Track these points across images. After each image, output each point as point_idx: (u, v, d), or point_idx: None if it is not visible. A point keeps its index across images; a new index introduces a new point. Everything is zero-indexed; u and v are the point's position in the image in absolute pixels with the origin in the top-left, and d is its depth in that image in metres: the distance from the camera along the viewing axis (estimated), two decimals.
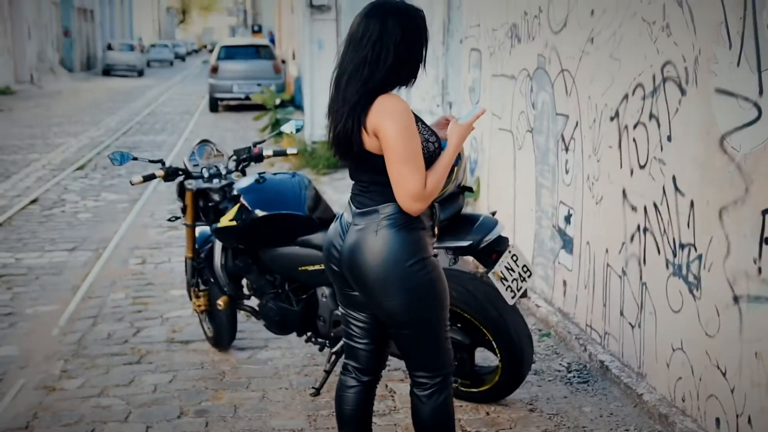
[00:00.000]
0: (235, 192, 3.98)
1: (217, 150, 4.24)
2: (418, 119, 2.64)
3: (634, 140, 3.84)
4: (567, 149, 4.62)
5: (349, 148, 2.61)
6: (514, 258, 3.47)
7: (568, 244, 4.65)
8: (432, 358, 2.72)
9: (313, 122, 11.19)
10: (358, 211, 2.67)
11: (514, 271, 3.46)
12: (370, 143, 2.57)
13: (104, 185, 9.81)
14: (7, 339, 4.76)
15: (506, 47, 5.57)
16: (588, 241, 4.39)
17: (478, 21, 6.19)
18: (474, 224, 3.44)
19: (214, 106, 19.67)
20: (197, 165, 4.17)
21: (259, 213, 3.84)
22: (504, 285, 3.43)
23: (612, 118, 4.06)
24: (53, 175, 10.43)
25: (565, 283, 4.71)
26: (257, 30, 38.26)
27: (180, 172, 4.08)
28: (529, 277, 3.51)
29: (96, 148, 12.93)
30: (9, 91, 24.41)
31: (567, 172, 4.63)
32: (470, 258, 3.62)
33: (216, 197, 4.10)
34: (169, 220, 4.39)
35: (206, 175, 4.08)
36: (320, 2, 11.10)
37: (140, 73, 37.31)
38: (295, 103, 17.62)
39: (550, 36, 4.80)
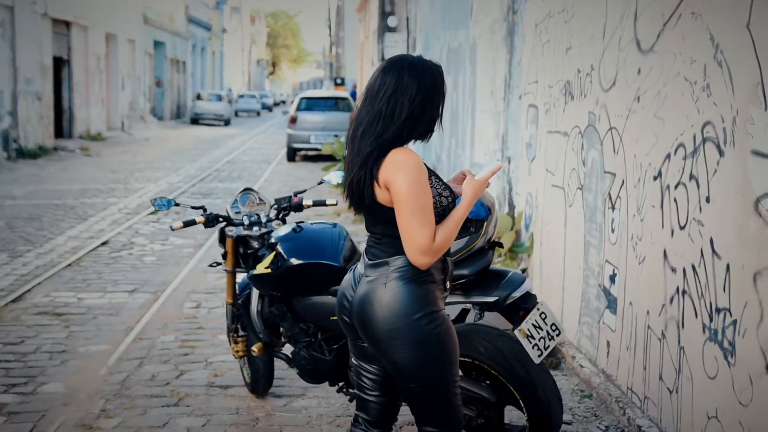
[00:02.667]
0: (272, 240, 4.04)
1: (259, 198, 4.32)
2: (431, 173, 2.65)
3: (675, 200, 3.76)
4: (614, 208, 4.55)
5: (361, 199, 2.63)
6: (543, 316, 3.41)
7: (612, 304, 4.55)
8: (440, 414, 2.69)
9: None
10: (370, 262, 2.68)
11: (541, 329, 3.39)
12: (381, 195, 2.59)
13: (169, 232, 10.05)
14: (56, 376, 4.90)
15: (560, 104, 5.54)
16: (631, 302, 4.29)
17: (536, 77, 6.19)
18: (502, 280, 3.40)
19: (291, 155, 20.05)
20: (239, 212, 4.26)
21: (294, 261, 3.89)
22: (531, 343, 3.37)
23: (655, 178, 3.98)
24: (127, 219, 10.76)
25: (608, 344, 4.59)
26: (340, 83, 39.04)
27: (221, 219, 4.17)
28: (557, 335, 3.44)
29: (172, 194, 13.30)
30: (100, 138, 25.40)
31: (613, 230, 4.55)
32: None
33: (255, 244, 4.16)
34: (211, 265, 4.48)
35: (246, 222, 4.15)
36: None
37: (227, 122, 38.35)
38: None
39: (601, 94, 4.76)
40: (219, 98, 39.55)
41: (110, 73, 29.00)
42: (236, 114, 47.33)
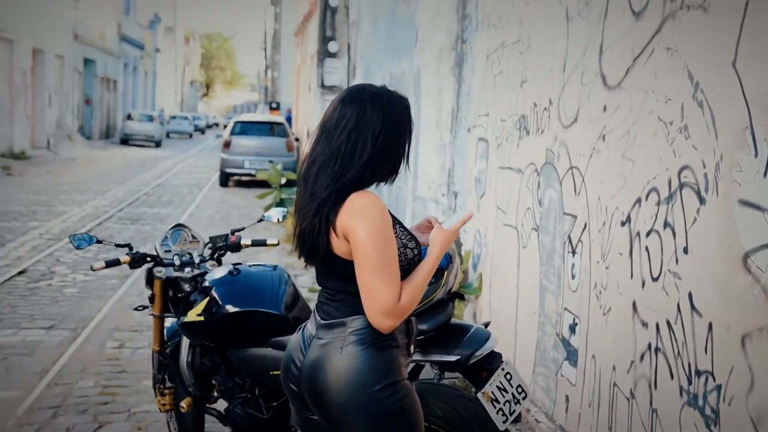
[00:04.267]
0: (206, 283, 3.64)
1: (192, 236, 3.91)
2: (396, 222, 2.31)
3: (646, 249, 3.48)
4: (574, 252, 4.27)
5: (314, 250, 2.28)
6: (508, 377, 3.08)
7: (572, 355, 4.26)
8: None
9: None
10: (323, 322, 2.32)
11: (507, 392, 3.07)
12: (338, 246, 2.24)
13: (98, 258, 9.49)
14: None
15: (514, 139, 5.28)
16: (594, 355, 4.00)
17: (487, 110, 5.92)
18: (464, 336, 3.07)
19: (224, 180, 19.51)
20: (169, 251, 3.84)
21: (230, 309, 3.49)
22: (495, 407, 3.03)
23: (623, 223, 3.71)
24: (48, 245, 10.15)
25: (567, 398, 4.29)
26: (275, 107, 38.54)
27: (148, 259, 3.75)
28: (524, 399, 3.11)
29: (98, 219, 12.69)
30: (24, 156, 24.44)
31: (573, 276, 4.27)
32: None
33: (187, 287, 3.75)
34: (136, 309, 4.04)
35: (177, 262, 3.74)
36: (331, 83, 10.97)
37: (158, 144, 37.48)
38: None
39: (560, 130, 4.50)
40: (150, 119, 38.64)
41: (36, 89, 28.03)
42: (168, 135, 46.35)
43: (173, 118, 51.48)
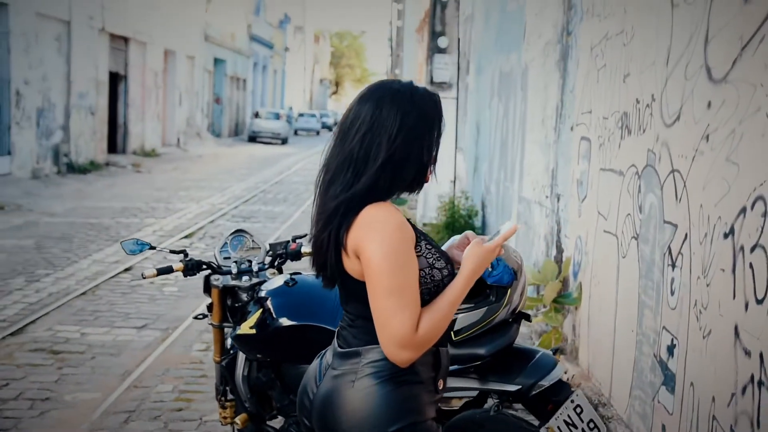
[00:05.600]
0: (262, 293, 3.42)
1: (253, 242, 3.71)
2: (420, 236, 2.00)
3: (750, 266, 3.02)
4: (674, 265, 3.82)
5: (324, 268, 2.01)
6: (578, 410, 2.73)
7: (669, 380, 3.81)
8: None
9: (427, 202, 10.65)
10: (340, 350, 2.05)
11: (576, 428, 2.71)
12: (350, 265, 1.96)
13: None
14: (30, 431, 4.35)
15: (616, 138, 4.83)
16: (692, 383, 3.55)
17: (590, 107, 5.48)
18: (527, 363, 2.74)
19: None
20: (228, 258, 3.65)
21: (284, 322, 3.27)
22: None
23: (726, 235, 3.26)
24: (159, 242, 10.30)
25: (664, 428, 3.85)
26: None
27: (204, 266, 3.56)
28: None
29: (212, 216, 12.85)
30: (154, 154, 25.31)
31: (672, 293, 3.82)
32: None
33: (244, 297, 3.55)
34: (196, 318, 3.87)
35: (235, 270, 3.54)
36: (440, 79, 10.67)
37: (284, 141, 38.16)
38: None
39: (662, 129, 4.05)
40: (277, 116, 39.38)
41: (168, 89, 28.98)
42: (296, 133, 47.20)
43: (301, 115, 52.38)
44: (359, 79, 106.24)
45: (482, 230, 9.78)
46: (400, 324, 1.86)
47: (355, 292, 2.00)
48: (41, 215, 12.20)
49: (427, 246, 2.00)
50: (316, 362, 2.17)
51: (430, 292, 1.97)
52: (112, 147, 23.25)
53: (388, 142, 1.94)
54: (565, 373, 5.42)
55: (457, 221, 9.83)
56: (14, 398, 4.81)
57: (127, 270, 8.54)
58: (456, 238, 2.24)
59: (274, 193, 16.95)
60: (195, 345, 5.98)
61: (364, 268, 1.91)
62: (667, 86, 4.01)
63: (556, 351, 2.93)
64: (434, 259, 2.00)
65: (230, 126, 40.36)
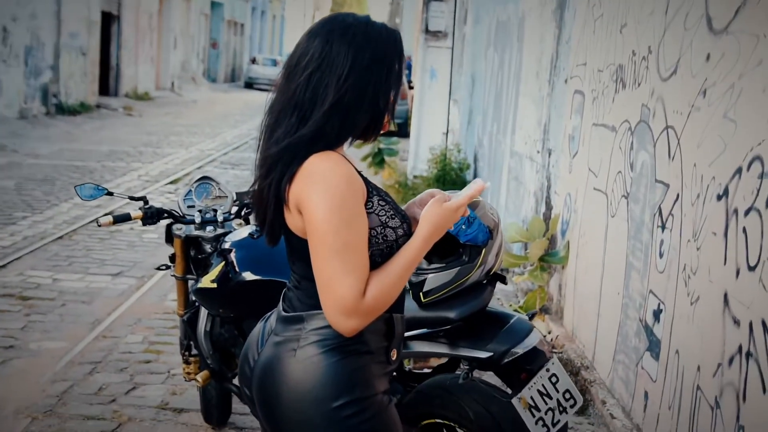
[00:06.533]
0: (225, 245, 3.23)
1: (220, 190, 3.51)
2: (373, 192, 1.79)
3: (744, 230, 2.84)
4: (664, 227, 3.64)
5: (265, 222, 1.81)
6: (553, 379, 2.55)
7: (654, 346, 3.65)
8: None
9: (418, 154, 10.42)
10: (284, 314, 1.86)
11: (551, 398, 2.54)
12: (292, 221, 1.76)
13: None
14: None
15: (610, 92, 4.61)
16: (677, 350, 3.38)
17: (585, 59, 5.25)
18: (500, 328, 2.55)
19: None
20: (193, 206, 3.45)
21: (247, 276, 3.08)
22: (534, 416, 2.51)
23: (720, 197, 3.06)
24: (143, 187, 10.08)
25: (647, 395, 3.70)
26: None
27: (165, 215, 3.36)
28: (572, 407, 2.58)
29: (199, 162, 12.62)
30: (147, 97, 24.91)
31: (661, 255, 3.64)
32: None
33: (208, 248, 3.36)
34: (158, 268, 3.69)
35: (199, 220, 3.35)
36: (436, 28, 10.35)
37: None
38: (401, 132, 16.91)
39: (658, 83, 3.83)
40: (274, 63, 38.79)
41: (162, 31, 28.43)
42: None
43: None
44: None
45: None
46: (345, 288, 1.66)
47: (299, 251, 1.80)
48: (25, 156, 11.96)
49: (380, 202, 1.79)
50: (260, 325, 1.98)
51: (382, 253, 1.77)
52: (104, 89, 22.85)
53: (337, 82, 1.72)
54: (549, 333, 5.27)
55: (448, 174, 9.61)
56: None
57: (107, 215, 8.30)
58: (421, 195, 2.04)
59: None
60: (170, 294, 5.79)
61: (306, 225, 1.71)
62: (665, 38, 3.79)
63: (532, 316, 2.76)
64: (388, 217, 1.79)
65: (226, 71, 39.83)
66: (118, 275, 6.22)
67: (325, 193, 1.67)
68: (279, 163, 1.73)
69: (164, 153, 13.47)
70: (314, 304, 1.78)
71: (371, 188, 1.79)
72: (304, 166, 1.71)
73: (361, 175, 1.79)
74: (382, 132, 1.86)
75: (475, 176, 9.63)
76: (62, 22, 18.99)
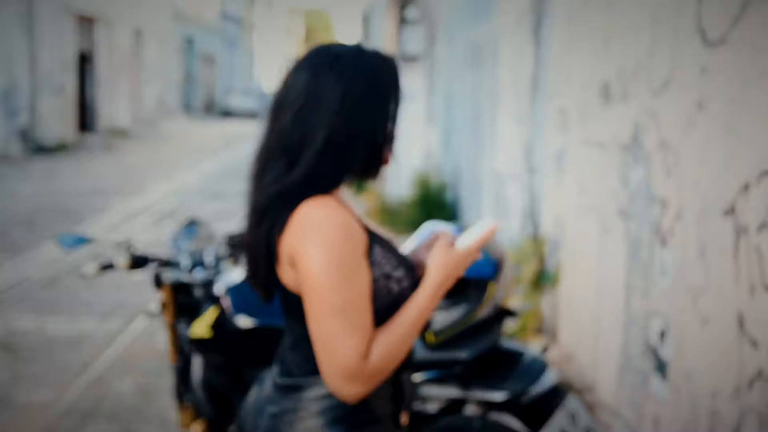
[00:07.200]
0: (216, 288, 3.10)
1: (207, 231, 3.39)
2: (375, 240, 1.63)
3: (757, 249, 2.75)
4: (665, 244, 3.55)
5: (258, 275, 1.69)
6: (573, 418, 2.44)
7: (662, 368, 3.55)
8: None
9: (398, 177, 10.34)
10: (279, 381, 1.69)
11: None
12: (286, 276, 1.61)
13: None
14: None
15: (596, 109, 4.54)
16: (689, 373, 3.28)
17: (568, 76, 5.18)
18: (515, 366, 2.45)
19: None
20: (180, 250, 3.33)
21: (242, 322, 2.95)
22: None
23: (726, 213, 2.98)
24: (126, 222, 9.94)
25: (657, 420, 3.59)
26: None
27: (150, 260, 3.23)
28: None
29: (180, 195, 12.50)
30: (125, 133, 24.79)
31: (663, 273, 3.55)
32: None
33: (198, 293, 3.23)
34: (149, 314, 3.56)
35: (187, 262, 3.22)
36: (411, 51, 10.29)
37: (255, 116, 38.08)
38: None
39: (649, 98, 3.76)
40: (249, 93, 39.14)
41: (137, 68, 28.34)
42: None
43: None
44: None
45: (454, 206, 9.46)
46: (346, 350, 1.51)
47: (294, 308, 1.64)
48: (5, 197, 11.81)
49: (383, 251, 1.63)
50: (254, 391, 1.83)
51: (387, 308, 1.61)
52: (82, 126, 22.68)
53: (327, 119, 1.57)
54: (545, 349, 5.16)
55: (431, 196, 9.53)
56: None
57: (92, 264, 8.15)
58: (424, 233, 1.91)
59: (246, 169, 16.53)
60: (158, 334, 5.63)
61: (301, 281, 1.55)
62: (654, 50, 3.72)
63: (544, 350, 2.65)
64: (391, 268, 1.62)
65: (203, 102, 39.87)
66: (106, 316, 6.06)
67: (321, 247, 1.52)
68: (268, 213, 1.59)
69: (145, 187, 13.32)
70: (313, 368, 1.62)
71: (372, 236, 1.64)
72: (296, 216, 1.56)
73: (362, 222, 1.66)
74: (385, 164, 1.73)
75: (455, 197, 9.54)
76: (38, 63, 18.87)
